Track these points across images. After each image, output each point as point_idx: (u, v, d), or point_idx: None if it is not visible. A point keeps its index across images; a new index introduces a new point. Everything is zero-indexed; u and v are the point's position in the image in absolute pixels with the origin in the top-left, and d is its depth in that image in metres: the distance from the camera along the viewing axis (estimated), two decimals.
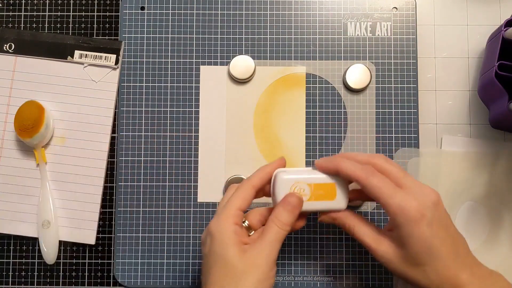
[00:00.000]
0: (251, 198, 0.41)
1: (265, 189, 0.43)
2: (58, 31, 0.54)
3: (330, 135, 0.52)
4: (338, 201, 0.41)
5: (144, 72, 0.53)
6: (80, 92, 0.53)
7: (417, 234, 0.37)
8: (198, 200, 0.52)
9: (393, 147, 0.52)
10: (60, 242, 0.52)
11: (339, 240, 0.51)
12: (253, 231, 0.41)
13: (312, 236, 0.51)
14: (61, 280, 0.52)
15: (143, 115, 0.53)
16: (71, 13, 0.55)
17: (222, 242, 0.38)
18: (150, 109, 0.53)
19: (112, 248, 0.52)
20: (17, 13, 0.55)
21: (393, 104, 0.52)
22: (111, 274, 0.52)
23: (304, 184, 0.41)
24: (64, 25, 0.55)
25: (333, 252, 0.51)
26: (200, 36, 0.53)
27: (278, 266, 0.51)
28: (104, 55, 0.53)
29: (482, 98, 0.52)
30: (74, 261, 0.52)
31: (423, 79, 0.53)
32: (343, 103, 0.52)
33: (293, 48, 0.53)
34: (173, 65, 0.53)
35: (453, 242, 0.38)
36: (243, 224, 0.41)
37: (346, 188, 0.41)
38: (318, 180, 0.41)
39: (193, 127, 0.53)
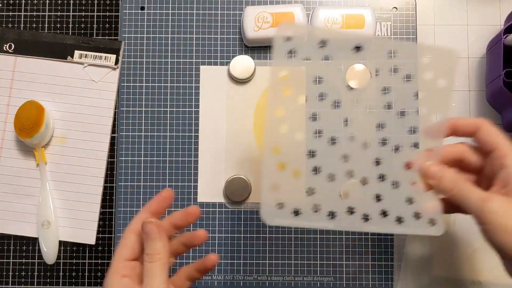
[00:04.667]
0: (136, 243, 0.38)
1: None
2: (58, 31, 0.54)
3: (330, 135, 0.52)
4: None
5: (144, 72, 0.53)
6: (80, 92, 0.53)
7: None
8: (198, 200, 0.52)
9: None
10: (60, 242, 0.52)
11: (339, 240, 0.51)
12: None
13: (312, 236, 0.51)
14: (61, 280, 0.52)
15: (143, 115, 0.53)
16: (71, 13, 0.55)
17: None
18: (150, 109, 0.53)
19: (112, 248, 0.52)
20: (17, 13, 0.55)
21: (393, 104, 0.52)
22: None
23: None
24: (64, 25, 0.55)
25: (333, 252, 0.51)
26: (200, 36, 0.53)
27: (278, 266, 0.51)
28: (104, 55, 0.53)
29: (493, 106, 0.52)
30: (74, 261, 0.52)
31: None
32: (343, 103, 0.52)
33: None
34: (173, 65, 0.53)
35: None
36: None
37: None
38: None
39: (193, 127, 0.53)
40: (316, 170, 0.39)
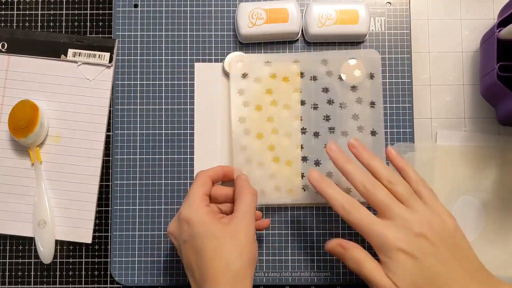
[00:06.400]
0: (211, 186, 0.45)
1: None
2: (51, 30, 0.54)
3: (326, 131, 0.52)
4: None
5: (139, 69, 0.53)
6: (74, 91, 0.53)
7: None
8: None
9: (389, 142, 0.52)
10: (56, 241, 0.52)
11: (336, 236, 0.51)
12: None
13: (308, 232, 0.51)
14: (58, 279, 0.52)
15: (138, 113, 0.53)
16: (64, 12, 0.54)
17: (203, 222, 0.40)
18: (145, 107, 0.53)
19: (109, 246, 0.52)
20: (9, 12, 0.54)
21: (388, 99, 0.52)
22: (108, 272, 0.52)
23: None
24: (57, 24, 0.54)
25: None
26: (194, 33, 0.53)
27: (275, 262, 0.51)
28: (98, 53, 0.53)
29: (487, 99, 0.52)
30: (70, 260, 0.52)
31: (418, 73, 0.53)
32: (339, 98, 0.52)
33: (287, 44, 0.53)
34: (167, 62, 0.53)
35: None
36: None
37: None
38: None
39: (188, 125, 0.53)
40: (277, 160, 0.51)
